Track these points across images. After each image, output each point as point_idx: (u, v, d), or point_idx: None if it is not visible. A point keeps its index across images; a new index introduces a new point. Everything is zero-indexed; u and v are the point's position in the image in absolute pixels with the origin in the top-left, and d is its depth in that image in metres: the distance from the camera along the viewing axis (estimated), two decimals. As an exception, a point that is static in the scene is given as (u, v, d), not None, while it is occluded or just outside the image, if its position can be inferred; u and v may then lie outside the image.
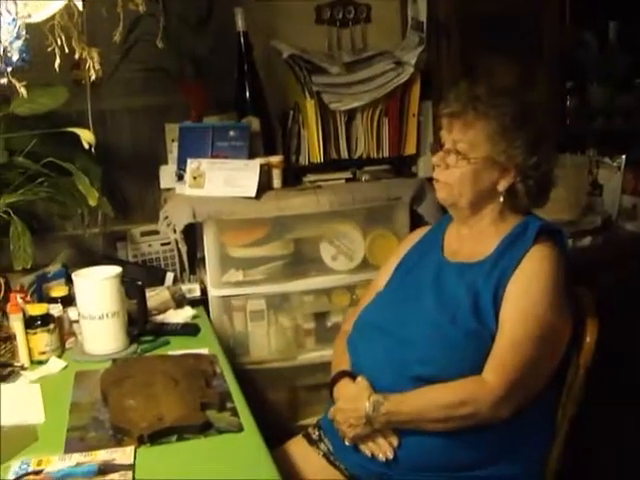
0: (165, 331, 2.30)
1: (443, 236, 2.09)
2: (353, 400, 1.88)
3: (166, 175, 2.75)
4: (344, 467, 2.00)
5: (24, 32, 1.74)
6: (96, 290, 2.13)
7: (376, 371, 1.91)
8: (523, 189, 1.93)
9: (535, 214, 2.00)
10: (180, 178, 2.63)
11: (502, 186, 1.92)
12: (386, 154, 2.81)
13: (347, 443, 1.91)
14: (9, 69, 1.78)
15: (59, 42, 2.00)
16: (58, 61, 2.01)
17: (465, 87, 1.97)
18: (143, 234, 2.83)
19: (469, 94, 1.93)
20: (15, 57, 1.75)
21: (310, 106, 2.69)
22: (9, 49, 1.74)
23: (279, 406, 2.70)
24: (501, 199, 1.93)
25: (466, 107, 1.90)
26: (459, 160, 1.90)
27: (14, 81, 1.86)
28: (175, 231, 2.54)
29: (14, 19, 1.72)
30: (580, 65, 3.32)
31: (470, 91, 1.94)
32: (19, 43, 1.74)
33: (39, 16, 1.84)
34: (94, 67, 2.11)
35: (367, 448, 1.89)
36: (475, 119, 1.89)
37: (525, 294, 1.82)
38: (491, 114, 1.88)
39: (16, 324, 2.11)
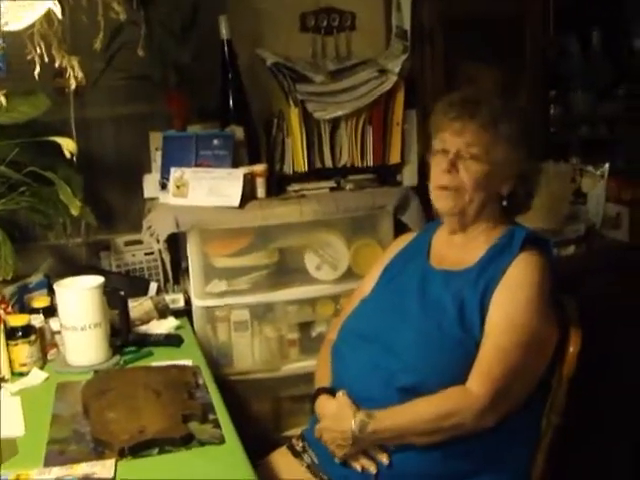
0: (148, 342, 2.28)
1: (430, 243, 2.08)
2: (338, 419, 1.86)
3: (150, 184, 2.74)
4: (328, 478, 1.99)
5: (0, 41, 1.73)
6: (78, 301, 2.11)
7: (361, 380, 1.90)
8: (523, 192, 1.94)
9: (520, 223, 2.00)
10: (164, 187, 2.62)
11: (505, 190, 1.93)
12: (370, 163, 2.80)
13: (337, 461, 1.90)
14: (-5, 76, 1.78)
15: (39, 50, 2.00)
16: (38, 69, 2.01)
17: (472, 91, 1.97)
18: (127, 244, 2.81)
19: (478, 98, 1.93)
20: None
21: (294, 115, 2.69)
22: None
23: (263, 417, 2.68)
24: (504, 203, 1.94)
25: (478, 110, 1.90)
26: (473, 163, 1.89)
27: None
28: (158, 241, 2.53)
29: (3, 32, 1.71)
30: (563, 73, 3.33)
31: (478, 95, 1.95)
32: (4, 53, 1.73)
33: (17, 25, 1.84)
34: (75, 75, 2.10)
35: (358, 464, 1.88)
36: (489, 123, 1.89)
37: (511, 302, 1.82)
38: (504, 119, 1.89)
39: (-2, 335, 2.09)
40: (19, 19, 1.85)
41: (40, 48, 2.00)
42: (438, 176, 1.94)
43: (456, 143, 1.91)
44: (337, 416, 1.88)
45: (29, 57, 2.02)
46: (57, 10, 1.82)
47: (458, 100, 1.95)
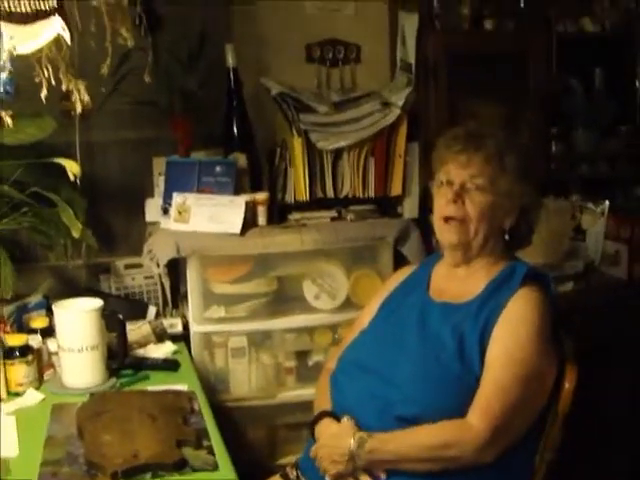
0: (145, 366, 2.29)
1: (430, 275, 2.08)
2: (337, 437, 1.85)
3: (152, 208, 2.75)
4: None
5: (9, 65, 1.75)
6: (76, 322, 2.12)
7: (359, 410, 1.88)
8: (525, 227, 1.95)
9: (520, 259, 2.01)
10: (165, 212, 2.63)
11: (508, 223, 1.94)
12: (372, 194, 2.82)
13: None
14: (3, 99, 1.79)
15: (46, 74, 2.01)
16: (45, 92, 2.02)
17: (476, 125, 1.99)
18: (127, 267, 2.81)
19: (482, 131, 1.95)
20: (8, 89, 1.76)
21: (297, 144, 2.71)
22: (4, 83, 1.75)
23: (258, 444, 2.67)
24: (507, 237, 1.95)
25: (483, 143, 1.91)
26: (478, 194, 1.90)
27: (6, 111, 1.87)
28: (158, 265, 2.54)
29: (13, 55, 1.73)
30: (566, 111, 3.35)
31: (482, 129, 1.96)
32: (3, 76, 1.74)
33: (26, 48, 1.85)
34: (81, 99, 2.12)
35: None
36: (493, 155, 1.90)
37: (511, 338, 1.82)
38: (508, 152, 1.91)
39: (-6, 354, 2.10)
40: (28, 43, 1.87)
41: (48, 71, 2.02)
42: (443, 207, 1.95)
43: (461, 175, 1.92)
44: (336, 434, 1.87)
45: (37, 80, 2.04)
46: (66, 36, 1.84)
47: (462, 134, 1.96)
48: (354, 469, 1.83)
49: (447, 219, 1.94)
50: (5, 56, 1.72)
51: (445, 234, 1.96)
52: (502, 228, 1.95)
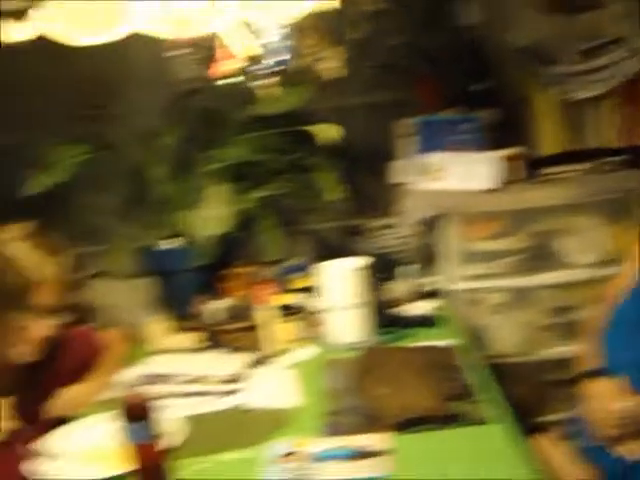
0: (406, 323, 2.33)
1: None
2: (614, 399, 1.82)
3: (401, 170, 2.79)
4: (593, 466, 1.94)
5: (286, 36, 1.84)
6: (343, 281, 2.20)
7: (632, 368, 1.84)
8: None
9: None
10: (417, 172, 2.65)
11: None
12: (626, 144, 2.71)
13: (602, 443, 1.85)
14: (268, 71, 1.89)
15: (305, 42, 2.09)
16: (303, 60, 2.10)
17: None
18: (381, 227, 2.88)
19: None
20: (275, 59, 1.86)
21: (544, 97, 2.67)
22: (270, 53, 1.84)
23: (521, 401, 2.65)
24: None
25: None
26: None
27: (269, 81, 1.97)
28: (413, 225, 2.58)
29: (277, 26, 1.82)
30: None
31: None
32: (279, 46, 1.83)
33: (288, 19, 1.93)
34: (335, 65, 2.18)
35: (623, 449, 1.82)
36: None
37: None
38: None
39: (266, 314, 2.22)
40: (291, 14, 1.95)
41: (306, 39, 2.10)
42: None
43: None
44: (611, 396, 1.83)
45: (296, 49, 2.12)
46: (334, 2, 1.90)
47: None
48: (630, 433, 1.80)
49: None
50: (282, 28, 1.81)
51: None
52: None
